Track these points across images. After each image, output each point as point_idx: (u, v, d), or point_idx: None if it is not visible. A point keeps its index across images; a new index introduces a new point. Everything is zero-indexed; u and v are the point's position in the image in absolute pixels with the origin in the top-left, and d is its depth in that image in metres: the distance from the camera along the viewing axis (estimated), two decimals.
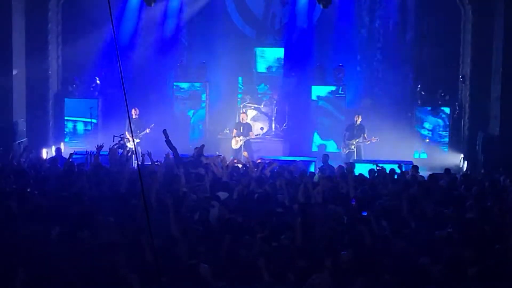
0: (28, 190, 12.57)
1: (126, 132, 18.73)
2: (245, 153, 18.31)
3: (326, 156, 17.58)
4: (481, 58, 19.86)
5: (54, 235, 9.78)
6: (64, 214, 10.72)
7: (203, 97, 22.09)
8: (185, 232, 9.85)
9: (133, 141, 19.49)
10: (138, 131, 20.11)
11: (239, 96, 22.41)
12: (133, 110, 20.33)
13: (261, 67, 22.44)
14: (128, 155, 16.54)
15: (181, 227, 9.97)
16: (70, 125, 21.77)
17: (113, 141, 17.80)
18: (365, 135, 20.07)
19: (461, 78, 20.84)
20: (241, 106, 21.90)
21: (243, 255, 9.27)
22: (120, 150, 17.45)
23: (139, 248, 8.99)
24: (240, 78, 22.39)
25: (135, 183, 12.93)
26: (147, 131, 20.15)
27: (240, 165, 16.48)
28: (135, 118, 20.36)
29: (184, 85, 22.06)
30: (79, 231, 9.75)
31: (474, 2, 19.86)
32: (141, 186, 6.34)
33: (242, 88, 22.44)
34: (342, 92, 21.65)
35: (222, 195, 12.45)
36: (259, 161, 16.71)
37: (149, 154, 16.02)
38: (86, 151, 16.40)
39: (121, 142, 17.98)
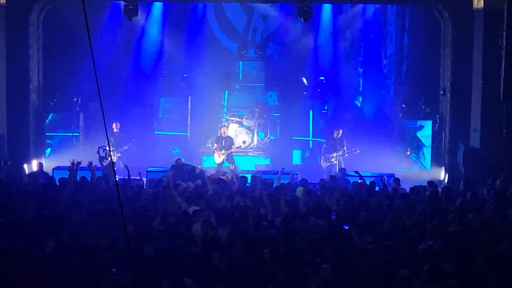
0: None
1: (107, 146, 18.63)
2: (231, 167, 18.30)
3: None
4: (461, 71, 19.97)
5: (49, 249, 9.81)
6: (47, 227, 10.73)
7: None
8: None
9: (111, 155, 19.39)
10: (118, 146, 20.05)
11: (221, 109, 22.40)
12: (113, 124, 20.25)
13: (243, 80, 22.45)
14: (106, 170, 16.53)
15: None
16: (51, 139, 21.66)
17: (99, 153, 17.71)
18: (345, 148, 20.11)
19: (442, 91, 20.96)
20: (223, 120, 21.90)
21: (226, 269, 9.27)
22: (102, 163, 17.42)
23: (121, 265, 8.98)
24: (223, 92, 22.38)
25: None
26: (125, 148, 20.13)
27: (225, 177, 16.55)
28: (116, 132, 20.27)
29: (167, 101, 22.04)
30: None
31: (454, 15, 20.00)
32: (119, 202, 6.29)
33: (225, 101, 22.43)
34: (325, 110, 21.73)
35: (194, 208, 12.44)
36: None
37: (126, 167, 16.03)
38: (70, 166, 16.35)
39: (103, 154, 17.84)
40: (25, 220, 11.60)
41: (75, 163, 15.87)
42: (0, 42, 20.38)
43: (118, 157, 19.96)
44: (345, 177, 17.61)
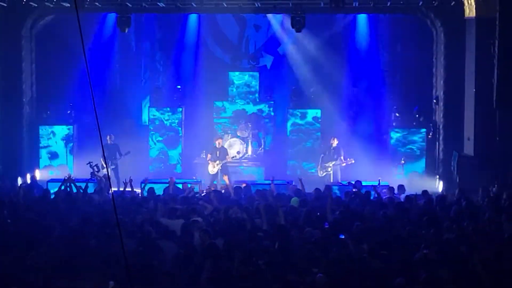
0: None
1: (101, 159, 18.59)
2: (225, 177, 18.27)
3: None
4: (454, 80, 20.03)
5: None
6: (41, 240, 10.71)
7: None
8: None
9: (107, 167, 19.38)
10: (113, 157, 20.03)
11: (215, 120, 22.41)
12: (108, 136, 20.22)
13: (236, 91, 22.45)
14: (101, 184, 16.52)
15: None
16: (44, 152, 21.62)
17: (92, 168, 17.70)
18: (342, 157, 20.15)
19: (435, 99, 21.01)
20: (217, 131, 21.90)
21: (222, 279, 9.26)
22: (94, 178, 17.41)
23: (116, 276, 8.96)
24: (217, 103, 22.38)
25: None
26: (119, 159, 20.15)
27: (221, 188, 16.55)
28: (111, 144, 20.25)
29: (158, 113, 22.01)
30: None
31: (446, 24, 20.07)
32: (115, 214, 6.28)
33: (219, 112, 22.43)
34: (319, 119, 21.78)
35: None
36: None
37: (130, 181, 16.04)
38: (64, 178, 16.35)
39: (95, 169, 17.80)
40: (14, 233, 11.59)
41: (67, 178, 15.95)
42: None
43: (113, 168, 19.92)
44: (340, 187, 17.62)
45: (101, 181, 16.79)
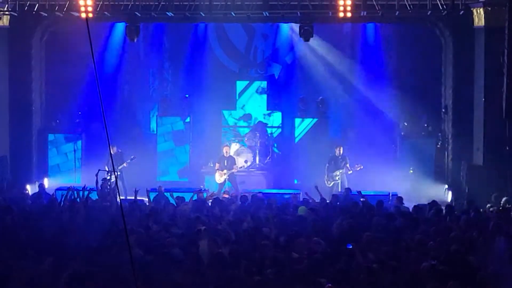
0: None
1: (106, 167, 18.62)
2: (232, 189, 18.35)
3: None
4: (462, 89, 20.00)
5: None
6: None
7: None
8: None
9: (116, 176, 19.41)
10: (118, 165, 20.10)
11: (223, 129, 22.42)
12: (112, 147, 20.11)
13: (244, 99, 22.47)
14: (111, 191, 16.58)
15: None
16: (53, 160, 21.68)
17: (99, 176, 17.71)
18: (348, 165, 20.11)
19: (444, 109, 20.96)
20: (225, 139, 21.91)
21: None
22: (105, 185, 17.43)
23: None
24: (224, 112, 22.42)
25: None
26: (125, 165, 20.17)
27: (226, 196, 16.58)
28: (115, 153, 20.20)
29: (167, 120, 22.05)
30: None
31: (455, 34, 20.05)
32: (123, 223, 6.29)
33: (226, 121, 22.46)
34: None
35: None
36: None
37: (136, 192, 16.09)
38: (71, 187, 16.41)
39: (106, 176, 17.83)
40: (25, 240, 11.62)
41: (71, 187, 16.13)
42: (3, 64, 20.51)
43: (119, 175, 19.98)
44: (349, 196, 17.54)
45: (109, 189, 16.82)
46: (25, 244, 11.20)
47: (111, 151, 20.09)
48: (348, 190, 17.96)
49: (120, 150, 20.43)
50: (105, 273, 9.67)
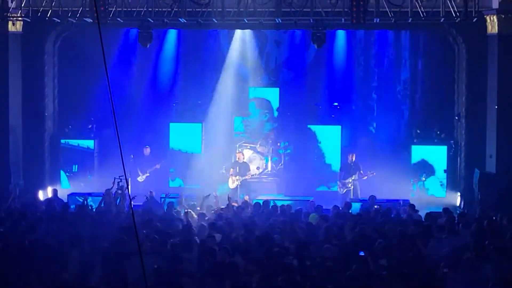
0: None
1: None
2: (246, 197, 18.34)
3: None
4: (476, 97, 19.94)
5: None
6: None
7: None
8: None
9: (128, 183, 19.48)
10: (149, 167, 20.60)
11: (235, 136, 22.41)
12: (145, 148, 20.99)
13: (256, 106, 22.46)
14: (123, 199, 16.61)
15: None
16: (66, 166, 21.75)
17: (115, 184, 17.69)
18: (361, 171, 20.08)
19: (457, 116, 20.88)
20: (237, 145, 21.89)
21: None
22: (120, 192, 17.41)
23: None
24: (237, 118, 22.42)
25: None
26: (157, 167, 20.71)
27: (235, 204, 16.54)
28: (146, 155, 20.95)
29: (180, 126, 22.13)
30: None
31: (468, 41, 20.00)
32: (135, 231, 6.29)
33: (239, 128, 22.45)
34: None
35: (217, 237, 12.41)
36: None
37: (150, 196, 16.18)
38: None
39: (120, 184, 17.79)
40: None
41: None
42: (16, 70, 20.59)
43: (147, 176, 20.69)
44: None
45: (123, 196, 16.83)
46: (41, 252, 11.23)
47: (145, 152, 20.68)
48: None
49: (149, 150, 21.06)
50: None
